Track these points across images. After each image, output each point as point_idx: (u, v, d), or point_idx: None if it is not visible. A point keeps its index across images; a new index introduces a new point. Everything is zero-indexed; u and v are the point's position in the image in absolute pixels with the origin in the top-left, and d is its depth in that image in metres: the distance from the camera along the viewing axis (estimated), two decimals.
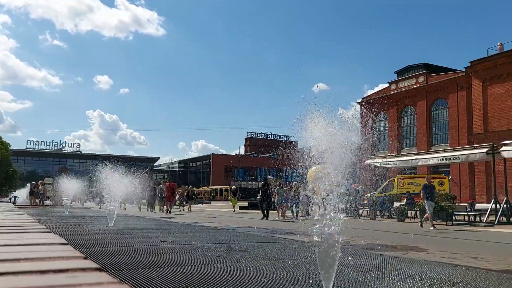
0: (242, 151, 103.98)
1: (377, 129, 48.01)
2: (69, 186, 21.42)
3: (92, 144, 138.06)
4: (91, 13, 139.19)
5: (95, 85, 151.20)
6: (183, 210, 23.54)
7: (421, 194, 13.61)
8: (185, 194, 26.52)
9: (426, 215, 13.17)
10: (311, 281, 3.08)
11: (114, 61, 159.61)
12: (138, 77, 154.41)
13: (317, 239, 2.49)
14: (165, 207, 21.05)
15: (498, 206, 15.27)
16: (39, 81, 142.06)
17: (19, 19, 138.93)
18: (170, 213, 19.22)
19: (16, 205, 19.34)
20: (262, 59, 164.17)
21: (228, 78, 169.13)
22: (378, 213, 18.51)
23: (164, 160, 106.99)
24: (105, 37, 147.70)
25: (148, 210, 21.81)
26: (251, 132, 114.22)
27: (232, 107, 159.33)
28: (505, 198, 15.18)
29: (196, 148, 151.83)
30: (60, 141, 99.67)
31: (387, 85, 47.19)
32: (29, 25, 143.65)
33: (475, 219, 15.56)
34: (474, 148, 17.86)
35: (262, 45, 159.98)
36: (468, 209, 16.10)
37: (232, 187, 34.09)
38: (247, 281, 3.04)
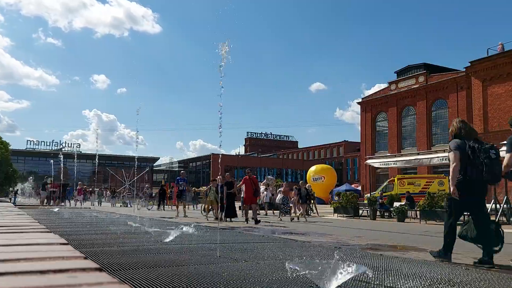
0: (242, 151, 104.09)
1: (377, 129, 48.02)
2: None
3: (90, 144, 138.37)
4: (85, 10, 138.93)
5: (92, 84, 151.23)
6: (297, 218, 15.44)
7: None
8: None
9: None
10: (313, 281, 3.08)
11: (110, 60, 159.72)
12: (136, 77, 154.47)
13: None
14: (211, 211, 15.10)
15: (498, 206, 15.26)
16: (35, 80, 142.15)
17: (11, 16, 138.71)
18: (256, 222, 12.50)
19: (16, 205, 19.36)
20: (260, 58, 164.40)
21: (227, 77, 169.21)
22: (378, 213, 18.51)
23: (164, 160, 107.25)
24: (100, 35, 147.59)
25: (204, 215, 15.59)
26: (251, 132, 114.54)
27: (231, 107, 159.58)
28: (505, 198, 15.17)
29: (194, 147, 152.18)
30: (60, 141, 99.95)
31: (385, 84, 47.30)
32: (21, 23, 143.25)
33: None
34: None
35: (260, 43, 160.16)
36: None
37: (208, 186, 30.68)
38: (247, 281, 3.04)
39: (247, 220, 12.95)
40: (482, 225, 4.83)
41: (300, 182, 17.11)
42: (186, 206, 17.37)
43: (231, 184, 14.31)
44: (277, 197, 16.92)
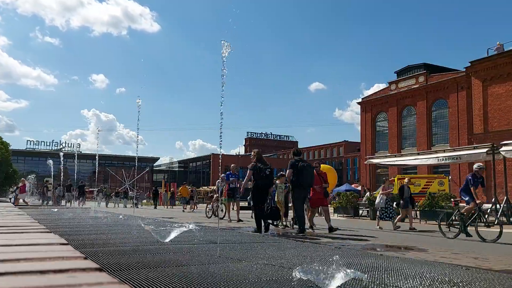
0: (242, 151, 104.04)
1: (377, 129, 48.01)
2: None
3: (89, 144, 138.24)
4: (82, 8, 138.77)
5: (91, 84, 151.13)
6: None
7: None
8: None
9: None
10: (312, 281, 3.08)
11: (109, 59, 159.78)
12: (135, 76, 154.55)
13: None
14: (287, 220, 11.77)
15: (498, 206, 15.27)
16: (33, 80, 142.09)
17: (7, 15, 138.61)
18: (331, 229, 9.71)
19: (16, 205, 19.34)
20: (260, 57, 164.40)
21: (227, 77, 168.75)
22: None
23: (164, 160, 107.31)
24: (98, 33, 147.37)
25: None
26: (251, 132, 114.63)
27: (231, 106, 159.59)
28: (505, 198, 15.18)
29: (193, 147, 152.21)
30: (60, 141, 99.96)
31: (384, 84, 47.33)
32: (17, 21, 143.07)
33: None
34: (474, 148, 17.86)
35: (260, 43, 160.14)
36: None
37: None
38: (247, 281, 3.03)
39: (311, 226, 10.60)
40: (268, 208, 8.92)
41: (405, 178, 13.65)
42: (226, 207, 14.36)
43: None
44: (377, 200, 13.07)
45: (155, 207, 29.35)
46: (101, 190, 34.13)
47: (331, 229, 9.73)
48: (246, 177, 9.26)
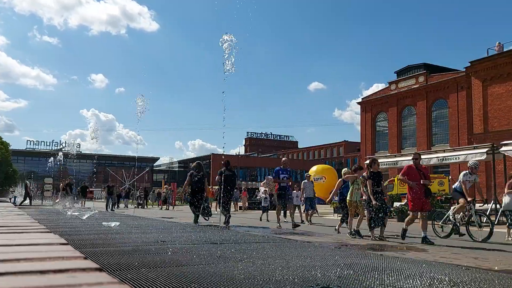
0: (242, 151, 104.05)
1: (377, 129, 47.99)
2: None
3: (89, 144, 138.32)
4: (80, 7, 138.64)
5: (90, 84, 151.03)
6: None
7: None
8: None
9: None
10: (313, 281, 3.08)
11: (108, 58, 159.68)
12: (134, 76, 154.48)
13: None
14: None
15: (498, 206, 15.27)
16: (32, 79, 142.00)
17: (5, 14, 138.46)
18: (427, 241, 7.82)
19: (16, 205, 19.34)
20: (260, 57, 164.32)
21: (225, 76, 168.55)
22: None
23: (163, 160, 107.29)
24: (97, 32, 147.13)
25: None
26: (251, 132, 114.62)
27: (231, 106, 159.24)
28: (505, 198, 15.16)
29: (193, 147, 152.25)
30: (60, 141, 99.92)
31: (384, 84, 47.34)
32: (15, 20, 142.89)
33: None
34: (474, 148, 17.86)
35: (260, 43, 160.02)
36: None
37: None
38: (247, 281, 3.03)
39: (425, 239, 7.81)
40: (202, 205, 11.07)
41: None
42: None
43: (380, 177, 8.69)
44: (505, 200, 10.22)
45: (144, 207, 31.87)
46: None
47: (425, 239, 7.78)
48: (185, 182, 11.63)
